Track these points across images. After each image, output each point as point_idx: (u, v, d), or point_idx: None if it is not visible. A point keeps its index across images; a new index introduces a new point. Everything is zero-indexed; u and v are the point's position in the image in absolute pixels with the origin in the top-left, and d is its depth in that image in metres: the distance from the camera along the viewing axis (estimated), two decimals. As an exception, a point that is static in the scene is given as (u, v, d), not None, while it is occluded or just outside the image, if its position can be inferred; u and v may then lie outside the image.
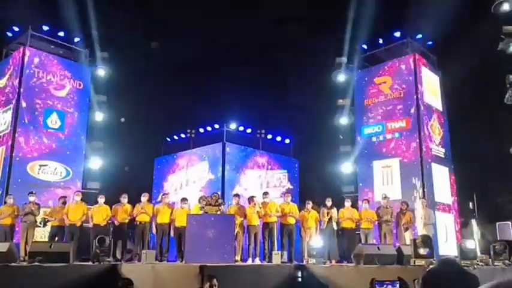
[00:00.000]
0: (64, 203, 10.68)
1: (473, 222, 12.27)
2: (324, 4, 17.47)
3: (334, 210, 10.60)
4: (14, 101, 13.23)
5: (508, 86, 10.36)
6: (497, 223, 11.76)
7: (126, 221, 10.47)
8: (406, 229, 10.82)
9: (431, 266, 1.86)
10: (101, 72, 14.99)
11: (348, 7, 14.73)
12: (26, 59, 13.42)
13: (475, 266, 8.21)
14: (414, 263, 8.33)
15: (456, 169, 14.32)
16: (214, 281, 5.96)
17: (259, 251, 10.27)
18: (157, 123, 17.47)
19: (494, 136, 13.49)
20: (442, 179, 13.74)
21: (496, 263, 9.25)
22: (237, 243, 10.09)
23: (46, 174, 13.20)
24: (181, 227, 10.00)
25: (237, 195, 11.22)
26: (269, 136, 15.81)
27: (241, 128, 14.95)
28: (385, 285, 6.04)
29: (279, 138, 15.77)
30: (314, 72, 16.99)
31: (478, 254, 10.29)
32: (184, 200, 11.20)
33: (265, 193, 11.11)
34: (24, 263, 8.44)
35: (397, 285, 6.07)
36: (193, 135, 15.40)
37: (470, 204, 12.21)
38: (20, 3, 14.15)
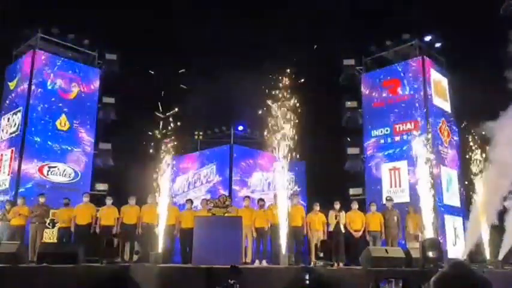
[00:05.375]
0: (66, 204, 10.70)
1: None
2: (332, 5, 17.45)
3: (343, 213, 10.54)
4: (23, 103, 13.36)
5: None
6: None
7: (134, 222, 10.49)
8: (416, 237, 10.62)
9: (441, 269, 1.84)
10: (109, 74, 15.10)
11: (356, 8, 14.72)
12: (36, 61, 13.54)
13: (484, 270, 8.15)
14: (423, 266, 8.28)
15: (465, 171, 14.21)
16: None
17: (266, 253, 10.25)
18: (165, 125, 17.50)
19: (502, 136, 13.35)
20: (450, 181, 13.66)
21: (505, 267, 9.18)
22: (246, 245, 10.08)
23: (55, 175, 13.31)
24: (187, 228, 10.01)
25: (247, 197, 11.23)
26: (276, 138, 15.77)
27: (248, 130, 14.95)
28: (388, 283, 6.07)
29: (286, 141, 15.73)
30: (322, 74, 16.95)
31: (487, 257, 10.23)
32: (189, 201, 11.22)
33: (275, 194, 11.10)
34: (33, 264, 8.50)
35: (400, 283, 6.08)
36: (200, 137, 15.44)
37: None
38: (29, 6, 14.30)
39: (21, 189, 12.41)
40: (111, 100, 15.02)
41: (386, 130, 14.10)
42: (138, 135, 15.96)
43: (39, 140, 13.22)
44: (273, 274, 8.27)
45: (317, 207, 10.76)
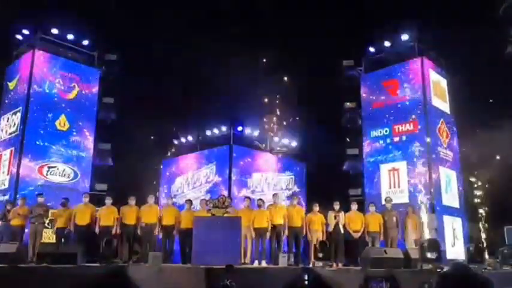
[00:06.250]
0: (62, 204, 10.68)
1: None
2: (332, 6, 17.50)
3: (342, 213, 10.56)
4: (23, 104, 13.35)
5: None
6: (505, 227, 11.68)
7: (133, 222, 10.48)
8: (415, 238, 10.61)
9: (442, 270, 1.86)
10: (109, 74, 15.11)
11: (355, 10, 14.74)
12: (35, 61, 13.54)
13: (483, 270, 8.16)
14: (421, 266, 8.29)
15: (464, 172, 14.26)
16: None
17: (265, 253, 10.25)
18: (165, 125, 17.56)
19: (502, 138, 13.40)
20: (449, 182, 13.68)
21: (504, 267, 9.20)
22: (245, 245, 10.08)
23: (54, 175, 13.31)
24: (187, 229, 10.01)
25: (247, 197, 11.24)
26: (276, 139, 15.88)
27: (248, 131, 14.94)
28: (378, 282, 6.16)
29: (285, 141, 15.80)
30: (321, 75, 16.99)
31: (486, 257, 10.25)
32: (189, 201, 11.23)
33: (275, 195, 11.14)
34: (33, 264, 8.50)
35: (389, 283, 6.17)
36: (200, 137, 15.44)
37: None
38: (29, 6, 14.31)
39: (21, 190, 12.39)
40: (111, 100, 15.03)
41: (386, 131, 14.11)
42: (138, 134, 16.03)
43: (38, 140, 13.22)
44: (272, 274, 8.29)
45: (316, 208, 10.76)
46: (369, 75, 15.02)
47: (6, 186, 12.96)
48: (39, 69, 13.61)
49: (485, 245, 10.69)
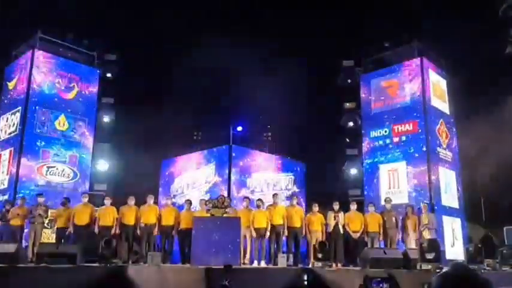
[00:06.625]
0: (63, 203, 10.67)
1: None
2: (332, 6, 17.50)
3: (341, 214, 10.56)
4: (22, 103, 13.34)
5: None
6: (504, 227, 11.67)
7: (133, 222, 10.48)
8: (414, 238, 10.58)
9: (441, 270, 1.85)
10: (109, 74, 15.10)
11: (356, 10, 14.75)
12: (35, 61, 13.53)
13: (482, 271, 8.16)
14: (421, 267, 8.29)
15: (464, 173, 14.25)
16: None
17: (265, 253, 10.26)
18: (165, 125, 17.57)
19: (502, 139, 13.40)
20: (449, 182, 13.68)
21: (503, 268, 9.20)
22: (244, 245, 10.08)
23: (54, 176, 13.29)
24: (186, 229, 10.01)
25: (246, 198, 11.23)
26: (276, 139, 15.89)
27: (248, 131, 14.95)
28: (378, 283, 6.16)
29: (286, 141, 15.81)
30: (321, 75, 17.00)
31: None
32: (188, 201, 11.23)
33: (275, 195, 11.14)
34: (32, 264, 8.50)
35: (389, 283, 6.17)
36: (200, 138, 15.46)
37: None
38: (29, 6, 14.31)
39: (20, 190, 12.38)
40: (110, 100, 15.02)
41: (385, 131, 14.10)
42: (138, 135, 16.03)
43: (37, 140, 13.20)
44: (272, 275, 8.29)
45: (316, 208, 10.76)
46: (369, 75, 15.00)
47: (6, 186, 12.94)
48: (39, 69, 13.59)
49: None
